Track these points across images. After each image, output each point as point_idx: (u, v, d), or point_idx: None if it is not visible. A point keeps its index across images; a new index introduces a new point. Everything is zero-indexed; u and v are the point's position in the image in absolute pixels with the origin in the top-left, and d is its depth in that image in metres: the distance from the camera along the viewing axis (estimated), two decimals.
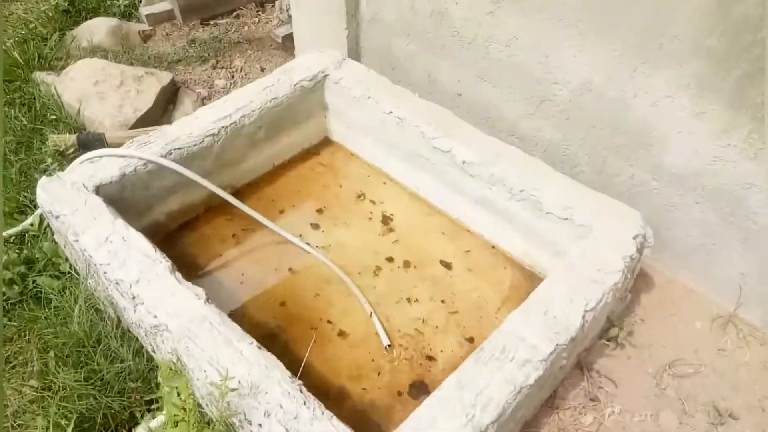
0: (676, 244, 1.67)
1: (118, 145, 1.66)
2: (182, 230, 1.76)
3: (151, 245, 1.33)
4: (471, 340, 1.55)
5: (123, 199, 1.56)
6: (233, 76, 2.62)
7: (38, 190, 1.42)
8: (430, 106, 1.78)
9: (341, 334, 1.55)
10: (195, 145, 1.66)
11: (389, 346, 1.50)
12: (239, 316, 1.53)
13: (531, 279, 1.70)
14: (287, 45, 2.76)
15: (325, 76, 1.94)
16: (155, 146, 1.61)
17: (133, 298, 1.24)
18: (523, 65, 1.70)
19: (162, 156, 1.58)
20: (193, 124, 1.70)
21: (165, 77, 2.28)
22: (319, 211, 1.89)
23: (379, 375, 1.45)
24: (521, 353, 1.16)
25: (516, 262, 1.74)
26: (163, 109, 2.27)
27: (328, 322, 1.56)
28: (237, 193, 1.86)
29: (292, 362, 1.28)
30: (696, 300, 1.74)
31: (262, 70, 2.65)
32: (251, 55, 2.75)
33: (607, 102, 1.57)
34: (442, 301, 1.65)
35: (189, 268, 1.63)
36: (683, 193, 1.56)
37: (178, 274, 1.30)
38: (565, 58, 1.59)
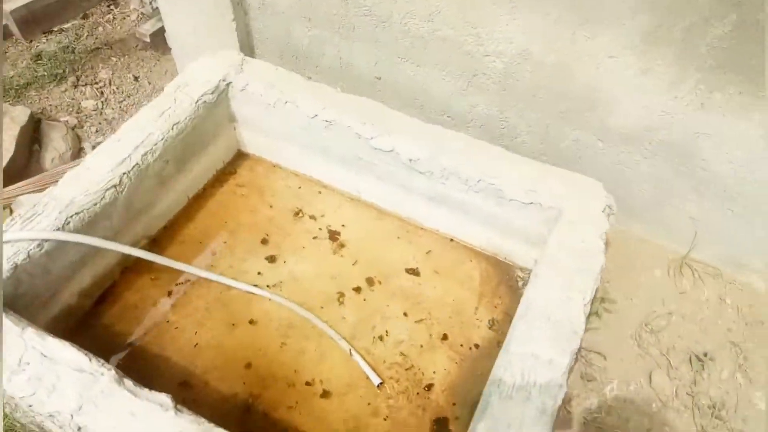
0: (627, 199, 1.69)
1: None
2: (100, 306, 1.48)
3: (83, 354, 1.09)
4: (460, 350, 1.48)
5: (20, 295, 1.28)
6: (102, 93, 2.24)
7: None
8: (358, 102, 1.62)
9: (323, 383, 1.40)
10: (95, 204, 1.38)
11: (381, 383, 1.39)
12: (206, 397, 1.33)
13: (498, 266, 1.65)
14: (158, 43, 2.41)
15: (228, 84, 1.69)
16: (46, 218, 1.32)
17: (79, 430, 1.00)
18: (450, 40, 1.58)
19: (59, 228, 1.30)
20: (87, 179, 1.41)
21: (21, 114, 1.89)
22: (257, 242, 1.68)
23: (385, 420, 1.33)
24: (542, 374, 1.10)
25: (479, 252, 1.68)
26: (28, 153, 1.89)
27: (307, 384, 1.40)
28: (154, 243, 1.61)
29: None
30: (650, 249, 1.80)
31: (136, 79, 2.30)
32: (117, 63, 2.37)
33: (547, 69, 1.51)
34: (418, 316, 1.55)
35: (122, 352, 1.39)
36: (632, 150, 1.57)
37: (129, 382, 1.07)
38: (496, 28, 1.49)
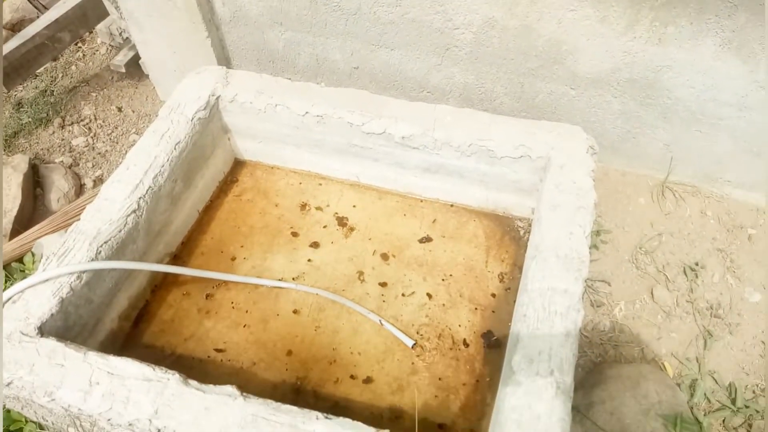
0: (604, 138, 1.78)
1: (15, 259, 1.38)
2: (139, 326, 1.53)
3: (145, 365, 1.16)
4: (479, 302, 1.57)
5: (70, 327, 1.33)
6: (90, 129, 2.26)
7: None
8: (343, 93, 1.67)
9: (362, 354, 1.48)
10: (120, 231, 1.43)
11: (415, 344, 1.47)
12: (257, 387, 1.40)
13: (498, 220, 1.73)
14: (133, 72, 2.42)
15: (217, 98, 1.73)
16: (79, 252, 1.37)
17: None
18: (420, 20, 1.64)
19: (93, 259, 1.35)
20: (107, 209, 1.45)
21: (21, 162, 1.91)
22: (272, 240, 1.74)
23: (425, 375, 1.42)
24: (560, 303, 1.19)
25: (479, 212, 1.76)
26: (33, 198, 1.91)
27: (347, 358, 1.48)
28: (177, 258, 1.66)
29: (334, 406, 1.21)
30: (631, 180, 1.90)
31: (120, 109, 2.32)
32: (98, 97, 2.38)
33: (513, 32, 1.58)
34: (436, 279, 1.63)
35: (169, 363, 1.45)
36: (602, 92, 1.65)
37: (194, 381, 1.15)
38: (461, 2, 1.55)
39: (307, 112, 1.66)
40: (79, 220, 1.45)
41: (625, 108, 1.66)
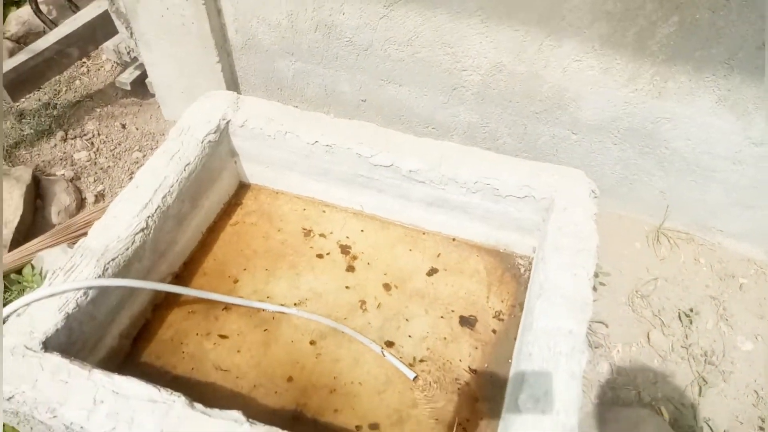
0: (602, 181, 1.87)
1: (14, 270, 1.38)
2: (138, 344, 1.54)
3: (151, 386, 1.17)
4: (480, 337, 1.60)
5: (73, 343, 1.34)
6: (93, 144, 2.29)
7: None
8: (353, 124, 1.74)
9: (362, 385, 1.50)
10: (128, 249, 1.45)
11: (416, 377, 1.50)
12: (256, 411, 1.41)
13: (499, 257, 1.79)
14: (137, 90, 2.47)
15: (228, 122, 1.78)
16: (86, 267, 1.38)
17: None
18: (429, 60, 1.73)
19: (100, 276, 1.37)
20: (115, 226, 1.47)
21: (23, 173, 1.92)
22: (274, 265, 1.77)
23: (424, 409, 1.44)
24: (565, 344, 1.23)
25: (481, 247, 1.81)
26: (33, 210, 1.92)
27: (347, 387, 1.50)
28: (178, 278, 1.67)
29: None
30: (627, 224, 1.98)
31: (123, 126, 2.35)
32: (102, 113, 2.42)
33: (519, 77, 1.67)
34: (437, 313, 1.67)
35: (168, 384, 1.45)
36: (602, 138, 1.74)
37: (199, 405, 1.16)
38: (471, 46, 1.64)
39: (316, 141, 1.71)
40: (81, 235, 1.47)
41: (623, 155, 1.75)
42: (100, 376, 1.17)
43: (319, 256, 1.78)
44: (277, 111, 1.80)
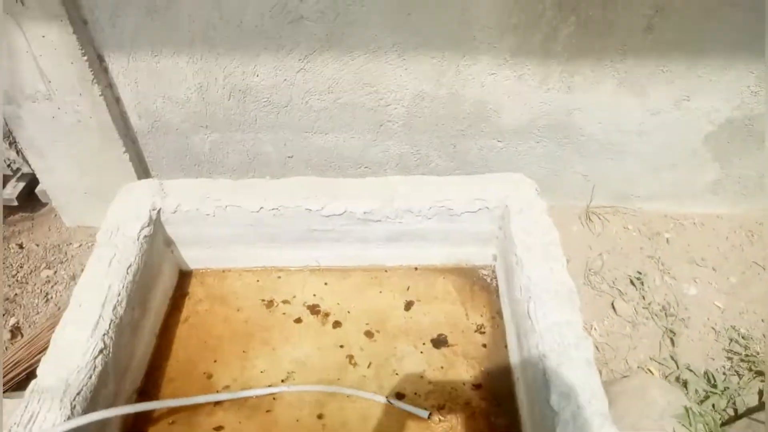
0: (532, 179, 1.97)
1: None
2: None
3: None
4: (474, 355, 1.60)
5: None
6: None
7: None
8: (292, 182, 1.68)
9: None
10: (91, 377, 1.27)
11: (430, 414, 1.45)
12: None
13: (463, 273, 1.80)
14: (26, 204, 2.20)
15: (158, 211, 1.63)
16: (50, 413, 1.20)
17: None
18: (352, 103, 1.73)
19: (70, 417, 1.19)
20: (69, 355, 1.29)
21: None
22: (246, 347, 1.63)
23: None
24: (570, 335, 1.26)
25: (443, 269, 1.83)
26: None
27: None
28: (142, 394, 1.48)
29: None
30: (561, 211, 2.10)
31: (21, 246, 2.07)
32: None
33: (442, 100, 1.73)
34: (424, 344, 1.63)
35: None
36: (525, 140, 1.85)
37: None
38: (392, 81, 1.67)
39: (261, 208, 1.63)
40: (11, 380, 1.26)
41: (546, 150, 1.87)
42: None
43: (289, 323, 1.67)
44: (208, 187, 1.69)
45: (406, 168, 1.87)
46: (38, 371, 1.27)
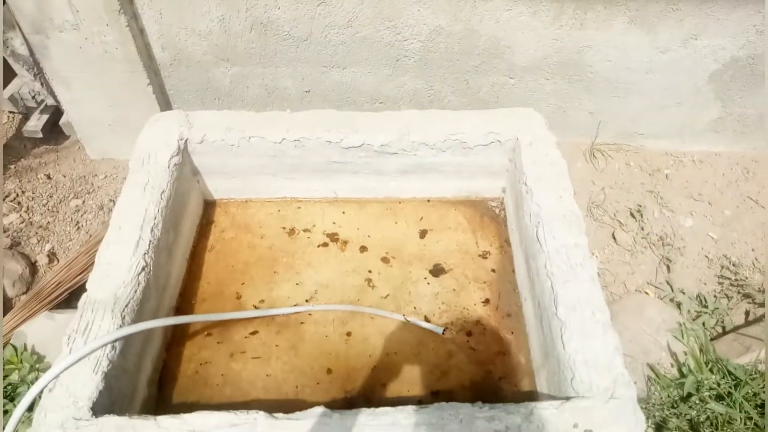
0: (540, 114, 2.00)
1: None
2: (165, 389, 1.44)
3: (224, 412, 1.13)
4: (484, 278, 1.68)
5: (114, 401, 1.25)
6: (20, 203, 2.04)
7: None
8: (313, 114, 1.70)
9: (398, 353, 1.53)
10: (136, 292, 1.35)
11: (444, 330, 1.55)
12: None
13: (473, 205, 1.87)
14: (49, 136, 2.22)
15: (186, 141, 1.67)
16: (103, 321, 1.28)
17: None
18: (371, 37, 1.73)
19: (121, 326, 1.27)
20: (115, 272, 1.36)
21: None
22: (271, 271, 1.72)
23: (460, 356, 1.50)
24: (576, 255, 1.34)
25: (455, 201, 1.89)
26: None
27: (386, 359, 1.52)
28: (178, 311, 1.58)
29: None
30: (566, 148, 2.14)
31: (49, 177, 2.11)
32: (18, 169, 2.15)
33: (457, 36, 1.72)
34: (437, 267, 1.72)
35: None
36: (536, 77, 1.86)
37: (279, 413, 1.14)
38: (410, 16, 1.66)
39: (283, 139, 1.66)
40: (56, 299, 1.34)
41: (556, 87, 1.88)
42: (169, 420, 1.10)
43: (311, 250, 1.75)
44: (232, 119, 1.72)
45: (419, 104, 1.90)
46: (87, 286, 1.35)
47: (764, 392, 1.26)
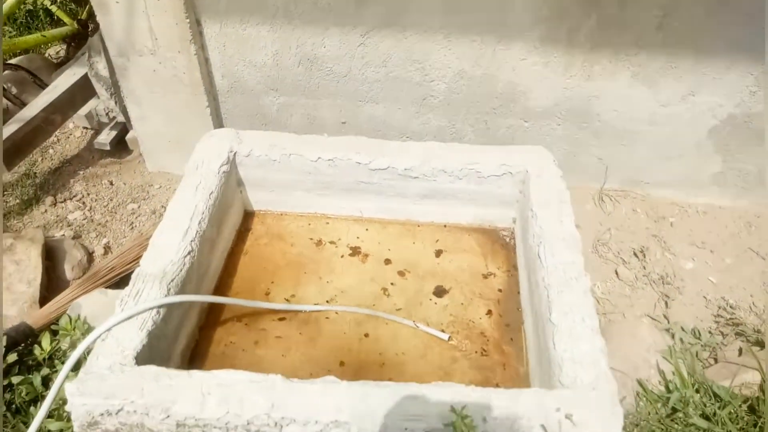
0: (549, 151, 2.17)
1: (45, 325, 1.41)
2: (194, 364, 1.57)
3: (248, 372, 1.26)
4: (490, 296, 1.80)
5: (153, 359, 1.40)
6: (85, 203, 2.28)
7: (74, 400, 1.17)
8: (346, 140, 1.91)
9: (405, 354, 1.64)
10: (181, 270, 1.52)
11: (450, 337, 1.66)
12: None
13: (486, 233, 2.01)
14: (115, 150, 2.49)
15: (235, 153, 1.89)
16: (151, 290, 1.45)
17: (276, 424, 1.18)
18: (402, 77, 1.95)
19: (166, 295, 1.44)
20: (165, 253, 1.54)
21: (35, 234, 1.90)
22: (298, 274, 1.88)
23: (463, 361, 1.60)
24: (572, 271, 1.46)
25: (469, 228, 2.03)
26: (44, 269, 1.90)
27: (394, 359, 1.63)
28: None
29: None
30: (577, 192, 2.27)
31: (112, 183, 2.36)
32: (86, 175, 2.41)
33: (478, 80, 1.93)
34: (449, 285, 1.85)
35: None
36: (549, 122, 2.03)
37: (295, 379, 1.27)
38: (437, 59, 1.88)
39: (319, 158, 1.86)
40: (110, 279, 1.51)
41: (567, 132, 2.05)
42: (200, 374, 1.24)
43: (335, 259, 1.91)
44: (276, 138, 1.94)
45: (442, 140, 2.08)
46: (141, 262, 1.53)
47: (745, 413, 1.32)
